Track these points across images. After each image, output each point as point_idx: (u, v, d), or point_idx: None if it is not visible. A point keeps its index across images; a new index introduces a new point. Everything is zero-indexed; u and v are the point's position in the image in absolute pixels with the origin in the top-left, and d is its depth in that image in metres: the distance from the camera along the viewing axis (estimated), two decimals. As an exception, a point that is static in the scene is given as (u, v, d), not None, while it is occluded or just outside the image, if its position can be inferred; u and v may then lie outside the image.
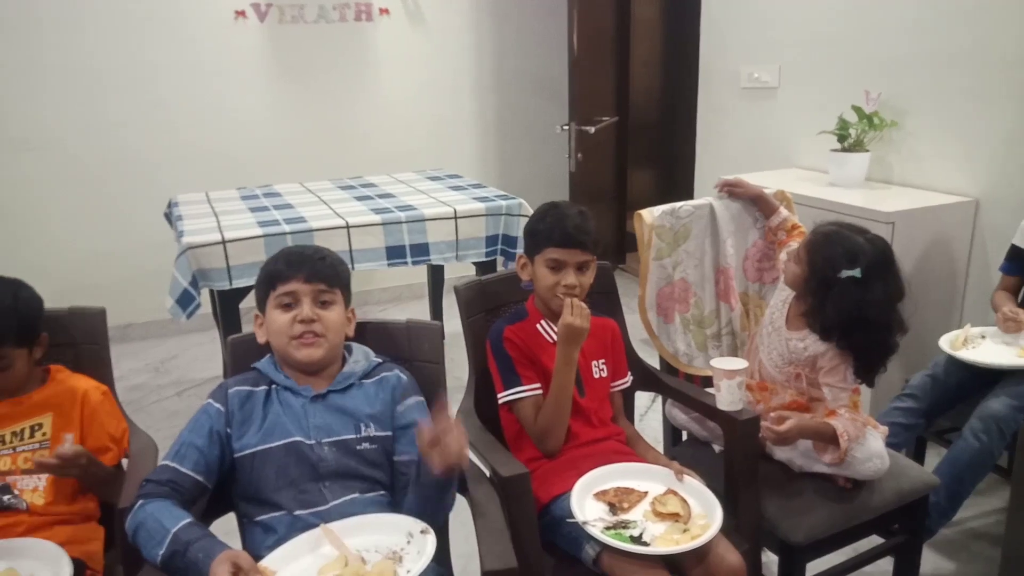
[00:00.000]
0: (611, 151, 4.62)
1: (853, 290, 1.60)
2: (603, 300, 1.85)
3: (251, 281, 2.60)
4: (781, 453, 1.76)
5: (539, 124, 4.50)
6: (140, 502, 1.26)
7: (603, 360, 1.73)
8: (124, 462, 1.59)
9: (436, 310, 3.79)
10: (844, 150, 2.84)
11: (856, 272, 1.60)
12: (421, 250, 2.84)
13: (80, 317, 1.67)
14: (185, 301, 2.51)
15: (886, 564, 1.83)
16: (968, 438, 1.94)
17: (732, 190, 2.06)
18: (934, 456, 2.15)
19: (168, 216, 3.17)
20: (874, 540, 1.80)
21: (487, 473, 1.53)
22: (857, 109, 2.79)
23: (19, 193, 3.59)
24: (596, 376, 1.71)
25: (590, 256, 1.64)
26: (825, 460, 1.66)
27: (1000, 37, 2.43)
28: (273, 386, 1.43)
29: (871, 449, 1.65)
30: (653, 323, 2.01)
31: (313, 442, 1.37)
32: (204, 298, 2.65)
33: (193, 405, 3.13)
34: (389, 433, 1.44)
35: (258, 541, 1.33)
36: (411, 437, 1.40)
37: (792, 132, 3.28)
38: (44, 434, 1.52)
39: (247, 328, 1.56)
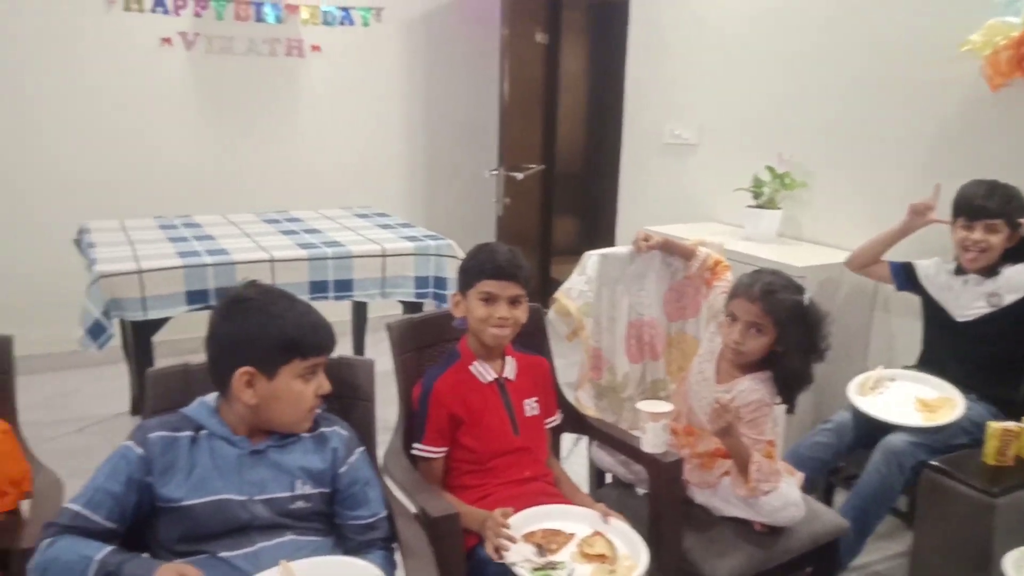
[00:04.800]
0: (537, 197, 4.72)
1: (817, 310, 1.75)
2: (531, 340, 1.87)
3: (168, 312, 2.50)
4: (701, 496, 1.81)
5: (467, 168, 4.56)
6: (47, 541, 1.18)
7: (535, 398, 1.75)
8: (25, 503, 1.49)
9: (359, 348, 3.73)
10: (758, 207, 3.00)
11: (808, 294, 1.75)
12: (345, 286, 2.81)
13: (-17, 344, 1.57)
14: (96, 331, 2.39)
15: (799, 604, 1.89)
16: (871, 472, 2.04)
17: (644, 245, 2.08)
18: (841, 500, 2.25)
19: (78, 242, 3.02)
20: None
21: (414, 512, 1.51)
22: (770, 169, 2.97)
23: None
24: (528, 414, 1.72)
25: (522, 290, 1.67)
26: (739, 493, 1.71)
27: (893, 116, 2.66)
28: (201, 432, 1.35)
29: (787, 497, 1.71)
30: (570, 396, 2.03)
31: (245, 498, 1.31)
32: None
33: (95, 443, 2.96)
34: (327, 490, 1.40)
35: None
36: (365, 496, 1.41)
37: (710, 188, 3.44)
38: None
39: (161, 361, 1.50)
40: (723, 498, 1.77)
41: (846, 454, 2.20)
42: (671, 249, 2.10)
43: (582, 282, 2.02)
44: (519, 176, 4.11)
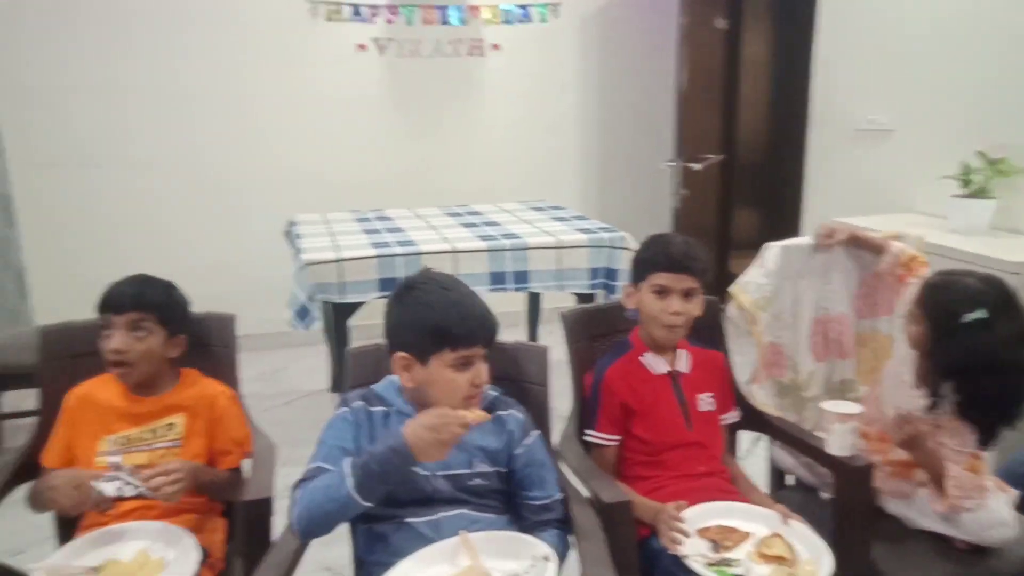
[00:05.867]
0: (716, 189, 4.57)
1: (980, 334, 1.52)
2: (708, 333, 1.84)
3: (363, 297, 2.72)
4: (894, 507, 1.69)
5: (642, 159, 4.52)
6: (299, 492, 1.31)
7: (710, 393, 1.72)
8: (247, 462, 1.68)
9: (532, 338, 3.83)
10: (967, 196, 2.72)
11: (981, 313, 1.53)
12: (522, 277, 2.90)
13: (215, 320, 1.79)
14: (303, 313, 2.65)
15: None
16: None
17: (827, 242, 1.95)
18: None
19: (287, 234, 3.35)
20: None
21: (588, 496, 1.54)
22: (982, 154, 2.68)
23: (154, 207, 3.88)
24: (702, 409, 1.70)
25: (696, 283, 1.63)
26: (937, 509, 1.58)
27: None
28: (391, 409, 1.45)
29: (996, 516, 1.55)
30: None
31: (428, 473, 1.40)
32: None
33: (299, 415, 3.28)
34: (503, 469, 1.46)
35: (368, 546, 1.39)
36: (540, 478, 1.46)
37: (908, 176, 3.17)
38: (177, 433, 1.63)
39: (357, 341, 1.62)
40: (920, 510, 1.64)
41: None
42: (859, 244, 1.97)
43: (760, 275, 1.94)
44: (697, 166, 4.01)
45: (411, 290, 1.42)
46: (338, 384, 3.33)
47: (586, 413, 1.72)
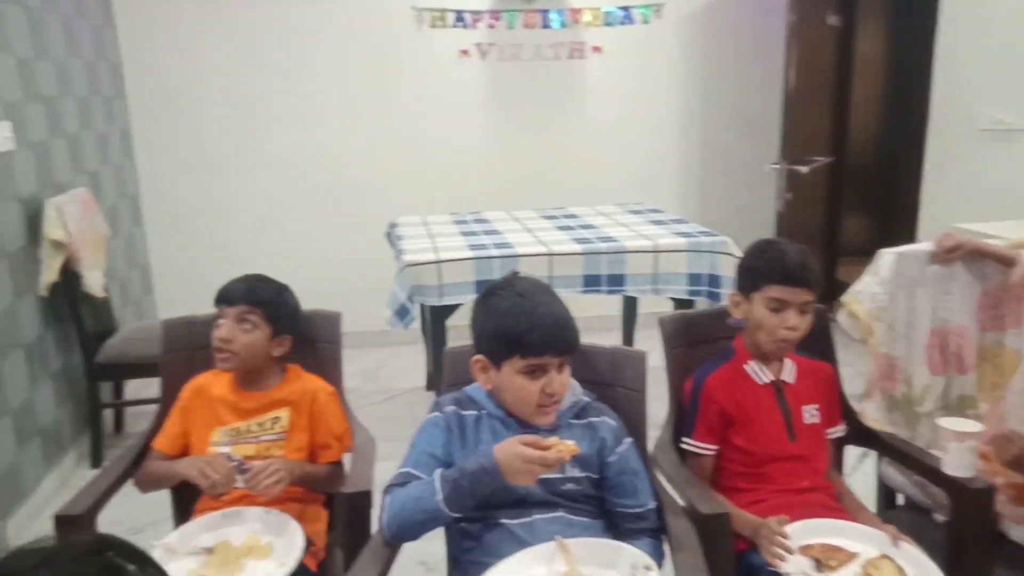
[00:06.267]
0: (823, 192, 4.39)
1: None
2: (815, 343, 1.76)
3: (460, 299, 2.76)
4: (1017, 533, 1.57)
5: (745, 162, 4.39)
6: (389, 497, 1.35)
7: (816, 405, 1.65)
8: (347, 456, 1.74)
9: (627, 343, 3.79)
10: (1110, 201, 2.50)
11: None
12: (617, 280, 2.87)
13: (321, 318, 1.87)
14: (402, 313, 2.72)
15: None
16: None
17: (949, 257, 1.83)
18: None
19: (389, 236, 3.45)
20: None
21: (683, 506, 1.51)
22: None
23: (270, 209, 4.09)
24: (807, 421, 1.63)
25: (813, 296, 1.57)
26: None
27: None
28: (483, 412, 1.46)
29: None
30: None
31: None
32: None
33: (397, 412, 3.37)
34: (594, 475, 1.45)
35: (462, 544, 1.41)
36: (633, 486, 1.44)
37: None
38: (282, 427, 1.70)
39: (453, 342, 1.66)
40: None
41: None
42: (984, 255, 1.84)
43: (875, 283, 1.85)
44: (804, 170, 3.86)
45: (490, 295, 1.43)
46: (434, 383, 3.40)
47: (683, 421, 1.69)
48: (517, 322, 1.35)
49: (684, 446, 1.66)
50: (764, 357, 1.65)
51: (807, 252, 1.59)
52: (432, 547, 1.57)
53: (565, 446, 1.26)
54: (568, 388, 1.44)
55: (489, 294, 1.44)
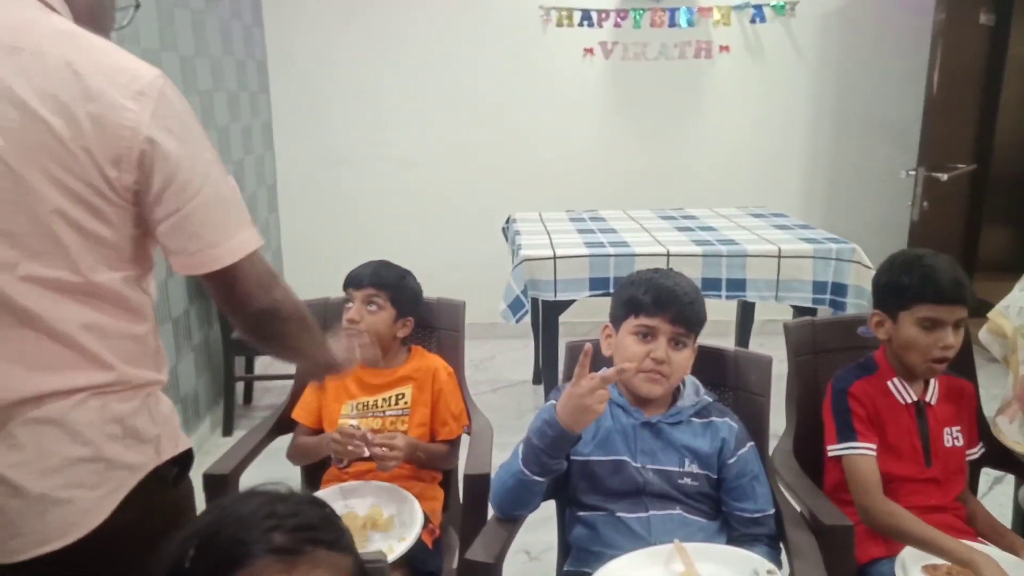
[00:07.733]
0: (963, 202, 4.12)
1: None
2: (959, 359, 1.67)
3: (574, 295, 2.78)
4: None
5: (877, 167, 4.19)
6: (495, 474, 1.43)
7: (957, 427, 1.56)
8: (465, 438, 1.81)
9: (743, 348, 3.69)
10: None
11: None
12: (737, 285, 2.81)
13: (446, 306, 1.95)
14: (516, 307, 2.77)
15: None
16: None
17: None
18: None
19: (505, 231, 3.51)
20: None
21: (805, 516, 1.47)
22: None
23: (395, 202, 4.25)
24: (948, 445, 1.55)
25: (966, 313, 1.49)
26: None
27: None
28: None
29: None
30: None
31: (639, 465, 1.43)
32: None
33: (504, 403, 3.43)
34: (713, 475, 1.45)
35: (578, 533, 1.44)
36: (752, 491, 1.43)
37: None
38: (406, 402, 1.79)
39: (564, 338, 1.68)
40: None
41: None
42: None
43: (1024, 299, 1.73)
44: (943, 177, 3.63)
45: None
46: (540, 377, 3.44)
47: (832, 425, 1.58)
48: (638, 285, 1.47)
49: (840, 451, 1.53)
50: (909, 376, 1.57)
51: (956, 264, 1.50)
52: (536, 536, 1.61)
53: (609, 371, 1.28)
54: (685, 371, 1.47)
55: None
